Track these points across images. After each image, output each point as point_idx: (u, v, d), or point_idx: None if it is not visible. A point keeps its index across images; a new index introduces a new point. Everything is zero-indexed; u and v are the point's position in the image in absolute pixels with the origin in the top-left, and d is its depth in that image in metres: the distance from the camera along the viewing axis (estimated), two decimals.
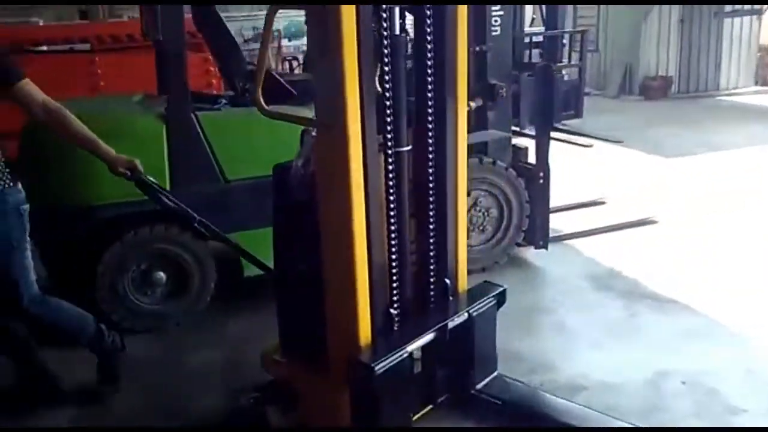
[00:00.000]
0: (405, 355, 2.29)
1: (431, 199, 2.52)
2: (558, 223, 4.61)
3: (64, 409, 2.79)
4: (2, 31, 7.05)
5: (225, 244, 2.97)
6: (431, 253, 2.56)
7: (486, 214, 4.06)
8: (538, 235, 4.16)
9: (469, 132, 3.41)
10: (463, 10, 2.44)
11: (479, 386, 2.65)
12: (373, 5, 2.17)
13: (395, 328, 2.41)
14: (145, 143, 3.24)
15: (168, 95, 3.39)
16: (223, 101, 3.75)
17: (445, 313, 2.54)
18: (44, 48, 6.60)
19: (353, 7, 2.08)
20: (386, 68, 2.25)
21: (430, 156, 2.48)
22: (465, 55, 2.49)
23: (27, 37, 6.40)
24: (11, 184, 2.58)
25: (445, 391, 2.62)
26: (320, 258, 2.32)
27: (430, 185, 2.50)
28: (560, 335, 3.36)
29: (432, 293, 2.60)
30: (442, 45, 2.40)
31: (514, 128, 4.28)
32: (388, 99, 2.26)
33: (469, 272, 3.37)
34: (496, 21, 3.92)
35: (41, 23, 8.91)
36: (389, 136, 2.30)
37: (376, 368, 2.17)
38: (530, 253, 4.27)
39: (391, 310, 2.40)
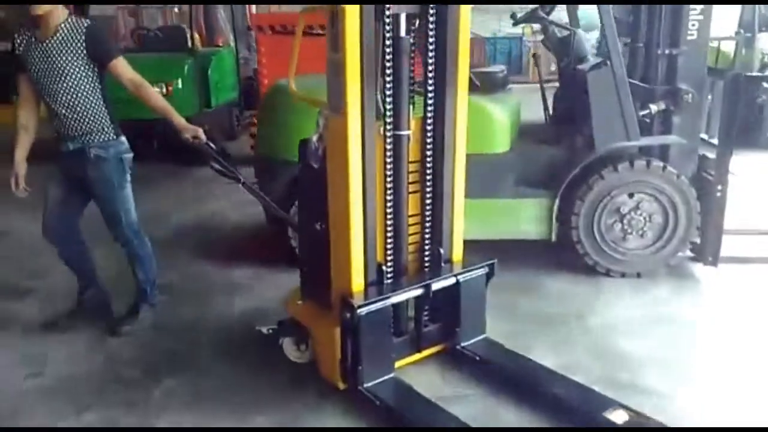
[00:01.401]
0: (388, 303, 2.74)
1: (429, 178, 2.94)
2: (737, 245, 4.18)
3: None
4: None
5: (260, 201, 3.57)
6: (428, 225, 2.99)
7: (648, 219, 3.95)
8: (708, 250, 3.96)
9: (649, 134, 3.94)
10: (466, 12, 2.78)
11: (464, 344, 3.06)
12: (375, 10, 2.56)
13: (385, 282, 2.84)
14: None
15: None
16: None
17: (433, 275, 2.96)
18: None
19: (357, 10, 2.49)
20: (388, 65, 2.66)
21: (429, 141, 2.89)
22: (467, 53, 2.84)
23: (290, 21, 6.81)
24: (114, 137, 3.24)
25: (432, 345, 3.06)
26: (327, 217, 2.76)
27: (428, 166, 2.92)
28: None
29: (427, 260, 3.03)
30: (444, 44, 2.77)
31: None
32: (389, 90, 2.68)
33: (623, 275, 4.00)
34: (693, 24, 3.86)
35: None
36: (389, 121, 2.71)
37: (359, 310, 2.63)
38: (697, 268, 4.07)
39: (384, 267, 2.83)
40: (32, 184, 3.29)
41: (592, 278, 3.99)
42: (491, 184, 3.94)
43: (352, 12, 2.47)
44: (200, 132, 3.20)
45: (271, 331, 3.10)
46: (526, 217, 4.02)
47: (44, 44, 3.08)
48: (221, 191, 5.82)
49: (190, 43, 7.52)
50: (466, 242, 3.15)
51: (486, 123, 3.90)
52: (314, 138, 2.81)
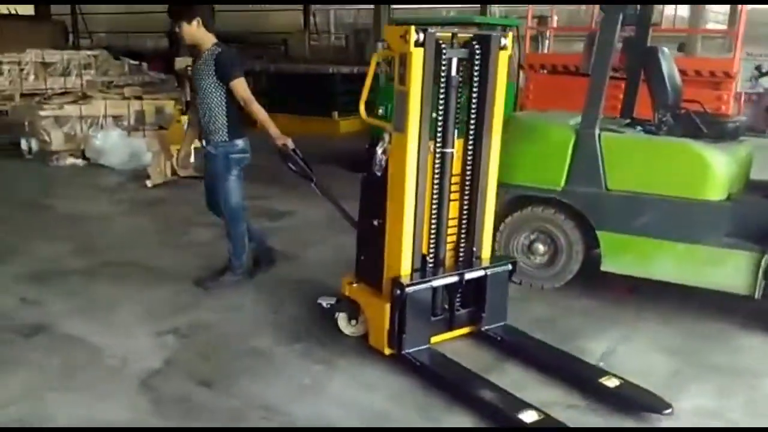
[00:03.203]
0: (429, 285, 3.46)
1: (467, 188, 3.62)
2: None
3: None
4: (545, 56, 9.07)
5: (333, 204, 4.08)
6: (464, 227, 3.68)
7: None
8: None
9: None
10: (504, 57, 3.53)
11: (487, 327, 3.72)
12: (435, 56, 3.29)
13: (427, 270, 3.56)
14: (556, 145, 4.42)
15: (582, 115, 4.31)
16: (642, 127, 4.51)
17: (466, 267, 3.66)
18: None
19: (422, 53, 3.22)
20: (441, 97, 3.40)
21: (469, 158, 3.60)
22: (503, 88, 3.59)
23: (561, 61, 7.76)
24: (227, 139, 4.21)
25: (462, 326, 3.76)
26: (385, 216, 3.50)
27: (467, 179, 3.62)
28: None
29: (461, 255, 3.73)
30: (485, 81, 3.49)
31: None
32: (440, 116, 3.41)
33: None
34: None
35: None
36: (438, 141, 3.44)
37: (407, 288, 3.36)
38: None
39: (427, 258, 3.57)
40: None
41: None
42: (699, 230, 4.09)
43: (417, 54, 3.22)
44: (289, 141, 4.07)
45: (329, 305, 3.85)
46: (731, 270, 4.02)
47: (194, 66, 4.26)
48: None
49: None
50: (660, 283, 3.96)
51: (698, 169, 4.08)
52: (379, 151, 3.55)
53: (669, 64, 4.62)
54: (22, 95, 9.72)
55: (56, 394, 3.20)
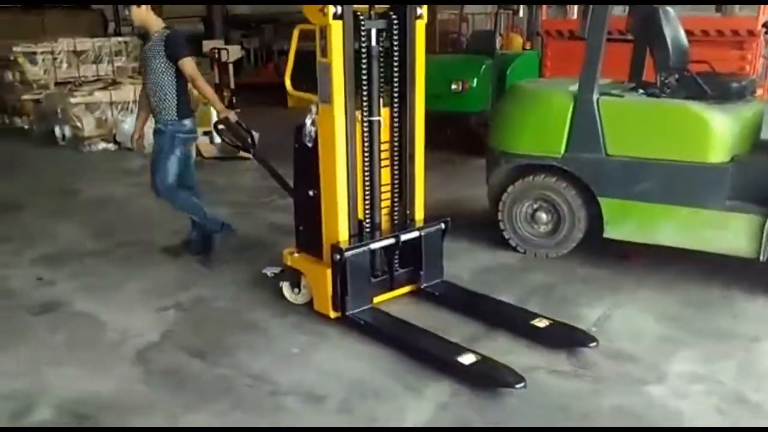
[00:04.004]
0: (367, 248, 3.63)
1: (396, 154, 3.80)
2: None
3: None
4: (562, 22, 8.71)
5: (271, 175, 4.17)
6: (396, 192, 3.88)
7: None
8: None
9: None
10: (421, 26, 3.67)
11: (425, 284, 3.94)
12: (354, 28, 3.42)
13: (364, 234, 3.72)
14: (555, 112, 4.38)
15: (579, 80, 4.25)
16: (645, 91, 4.37)
17: (401, 229, 3.85)
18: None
19: (341, 25, 3.35)
20: (363, 67, 3.52)
21: (396, 125, 3.77)
22: (423, 56, 3.72)
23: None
24: (176, 118, 4.41)
25: (402, 285, 3.97)
26: (319, 186, 3.63)
27: (395, 145, 3.79)
28: None
29: (395, 219, 3.93)
30: (404, 50, 3.65)
31: None
32: (365, 86, 3.55)
33: None
34: None
35: None
36: (365, 110, 3.60)
37: (346, 253, 3.52)
38: None
39: (364, 223, 3.73)
40: None
41: None
42: (702, 194, 4.00)
43: (336, 27, 3.35)
44: (231, 114, 4.33)
45: (273, 274, 3.98)
46: (734, 233, 3.94)
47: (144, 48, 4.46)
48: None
49: (496, 47, 8.40)
50: (667, 248, 3.97)
51: (699, 131, 3.97)
52: (308, 123, 3.62)
53: (672, 24, 4.47)
54: (56, 83, 10.03)
55: (55, 367, 3.35)
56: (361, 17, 3.47)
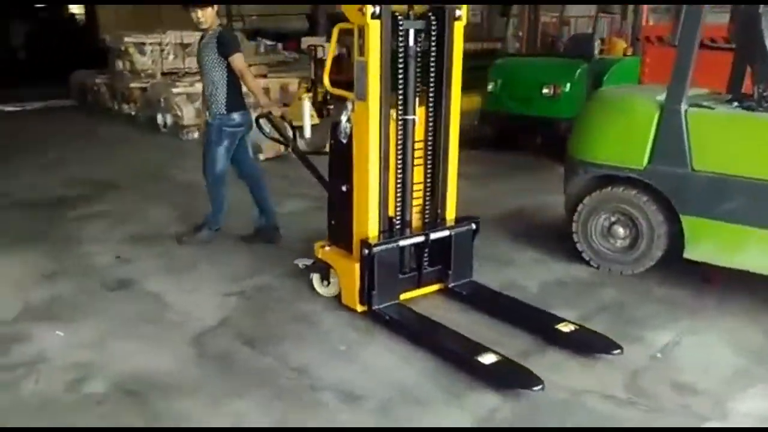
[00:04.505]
0: (396, 245, 3.65)
1: (430, 153, 3.81)
2: None
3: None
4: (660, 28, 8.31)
5: (309, 170, 4.25)
6: (428, 191, 3.87)
7: None
8: None
9: None
10: (459, 28, 3.64)
11: (453, 284, 3.93)
12: (393, 28, 3.44)
13: (394, 231, 3.76)
14: (639, 121, 4.16)
15: (668, 89, 4.01)
16: (740, 103, 4.07)
17: (431, 228, 3.85)
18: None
19: (379, 24, 3.36)
20: (400, 67, 3.54)
21: (431, 125, 3.76)
22: (460, 58, 3.70)
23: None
24: (225, 112, 4.59)
25: (430, 284, 3.95)
26: (352, 182, 3.68)
27: (430, 145, 3.80)
28: None
29: (427, 216, 3.93)
30: (442, 51, 3.64)
31: None
32: (401, 85, 3.57)
33: None
34: None
35: None
36: (400, 108, 3.61)
37: (375, 248, 3.56)
38: None
39: (394, 220, 3.76)
40: None
41: None
42: None
43: (374, 26, 3.36)
44: (275, 108, 4.54)
45: (305, 266, 4.02)
46: None
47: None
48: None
49: (594, 51, 8.09)
50: (754, 274, 3.79)
51: None
52: (344, 120, 3.62)
53: None
54: (162, 74, 10.57)
55: (119, 342, 3.52)
56: (399, 17, 3.48)
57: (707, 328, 3.69)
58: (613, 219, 4.40)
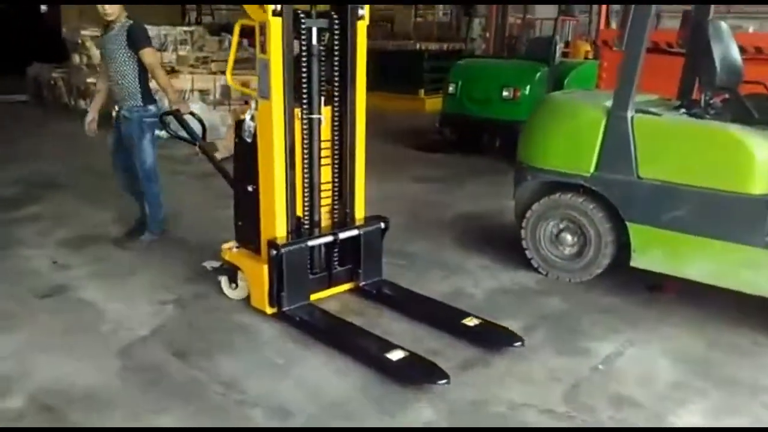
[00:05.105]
0: (305, 245, 3.62)
1: (337, 152, 3.78)
2: None
3: None
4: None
5: (216, 168, 4.25)
6: (336, 190, 3.85)
7: None
8: None
9: None
10: (362, 26, 3.63)
11: (364, 283, 3.95)
12: (295, 26, 3.41)
13: (303, 231, 3.72)
14: (586, 127, 4.09)
15: (614, 95, 3.94)
16: (687, 111, 4.04)
17: (340, 227, 3.85)
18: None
19: (280, 22, 3.32)
20: (304, 65, 3.52)
21: (337, 124, 3.74)
22: (364, 57, 3.69)
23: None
24: (141, 104, 4.48)
25: (340, 283, 3.96)
26: (258, 182, 3.62)
27: (336, 144, 3.77)
28: None
29: (336, 216, 3.91)
30: (345, 51, 3.63)
31: None
32: (305, 84, 3.56)
33: None
34: None
35: None
36: (305, 107, 3.59)
37: (283, 249, 3.52)
38: None
39: (302, 220, 3.72)
40: None
41: None
42: (740, 228, 3.65)
43: (276, 23, 3.32)
44: (184, 107, 4.48)
45: (212, 268, 3.94)
46: None
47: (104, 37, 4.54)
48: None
49: (555, 54, 8.06)
50: (697, 283, 3.78)
51: (741, 158, 3.60)
52: (248, 118, 3.55)
53: (724, 39, 4.10)
54: None
55: (41, 354, 3.36)
56: (302, 15, 3.46)
57: (650, 339, 3.65)
58: (561, 226, 4.35)
